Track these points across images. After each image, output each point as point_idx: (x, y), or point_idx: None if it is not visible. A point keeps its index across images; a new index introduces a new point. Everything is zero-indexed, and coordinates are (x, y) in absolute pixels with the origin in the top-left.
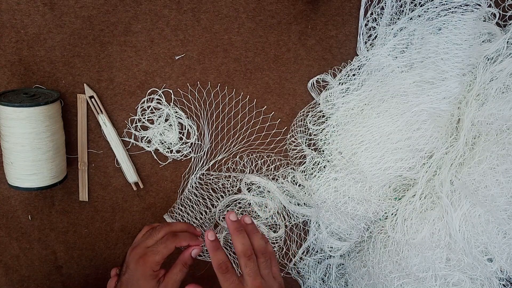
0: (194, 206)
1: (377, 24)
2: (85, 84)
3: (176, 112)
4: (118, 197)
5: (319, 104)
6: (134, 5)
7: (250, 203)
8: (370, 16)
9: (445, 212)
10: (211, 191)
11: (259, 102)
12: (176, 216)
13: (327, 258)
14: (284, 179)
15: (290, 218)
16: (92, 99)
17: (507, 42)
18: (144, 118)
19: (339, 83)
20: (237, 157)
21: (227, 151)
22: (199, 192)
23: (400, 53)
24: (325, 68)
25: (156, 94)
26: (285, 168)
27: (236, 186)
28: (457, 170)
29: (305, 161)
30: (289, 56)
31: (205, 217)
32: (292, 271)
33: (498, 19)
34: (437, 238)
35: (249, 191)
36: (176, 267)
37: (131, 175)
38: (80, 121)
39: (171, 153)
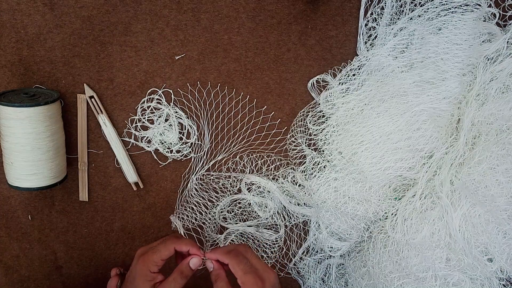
0: (194, 206)
1: (377, 24)
2: (85, 84)
3: (176, 112)
4: (118, 197)
5: (319, 104)
6: (134, 5)
7: (250, 203)
8: (370, 16)
9: (445, 212)
10: (211, 191)
11: (259, 102)
12: (177, 219)
13: (327, 258)
14: (284, 179)
15: (290, 218)
16: (92, 99)
17: (507, 42)
18: (144, 118)
19: (339, 83)
20: (237, 157)
21: (227, 151)
22: (199, 193)
23: (400, 53)
24: (325, 68)
25: (156, 94)
26: (285, 168)
27: (236, 186)
28: (457, 170)
29: (305, 161)
30: (289, 56)
31: (205, 218)
32: (292, 271)
33: (498, 19)
34: (437, 238)
35: (249, 191)
36: (172, 275)
37: (131, 175)
38: (80, 121)
39: (171, 153)
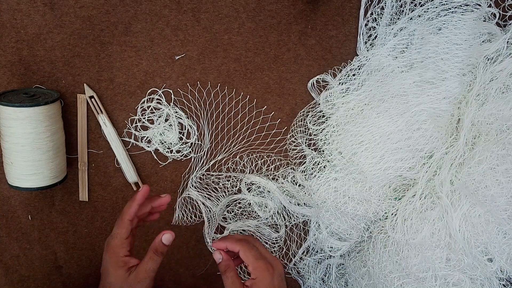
0: (194, 206)
1: (377, 24)
2: (85, 84)
3: (176, 112)
4: (118, 197)
5: (319, 104)
6: (134, 5)
7: (250, 203)
8: (370, 16)
9: (445, 212)
10: (211, 191)
11: (259, 102)
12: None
13: (327, 258)
14: (284, 179)
15: (290, 218)
16: (92, 99)
17: (507, 42)
18: (144, 118)
19: (339, 83)
20: (237, 157)
21: (227, 151)
22: (198, 193)
23: (400, 53)
24: (325, 68)
25: (156, 94)
26: (285, 168)
27: (236, 186)
28: (457, 170)
29: (305, 161)
30: (289, 56)
31: (205, 218)
32: (292, 271)
33: (498, 19)
34: (437, 238)
35: (249, 191)
36: (147, 255)
37: (131, 175)
38: (80, 121)
39: (171, 153)
